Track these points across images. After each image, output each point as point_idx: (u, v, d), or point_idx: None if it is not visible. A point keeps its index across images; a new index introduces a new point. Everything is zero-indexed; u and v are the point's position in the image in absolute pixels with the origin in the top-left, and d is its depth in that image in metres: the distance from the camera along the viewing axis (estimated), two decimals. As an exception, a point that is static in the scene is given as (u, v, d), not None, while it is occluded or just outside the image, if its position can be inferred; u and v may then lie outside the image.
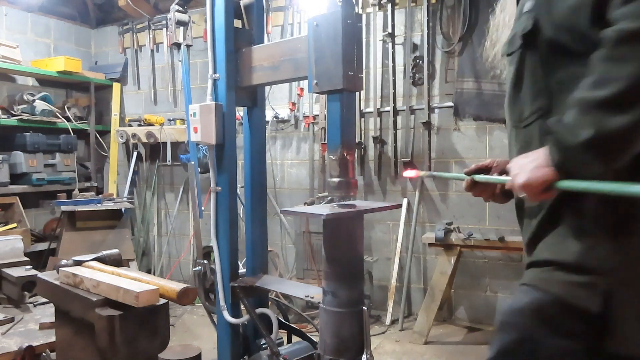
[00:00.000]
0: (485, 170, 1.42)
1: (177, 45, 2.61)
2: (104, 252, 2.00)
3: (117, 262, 1.98)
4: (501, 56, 1.34)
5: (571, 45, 1.09)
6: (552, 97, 1.14)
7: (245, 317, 2.40)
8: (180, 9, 2.53)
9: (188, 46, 2.63)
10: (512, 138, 1.28)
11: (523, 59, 1.17)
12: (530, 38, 1.13)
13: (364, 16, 4.27)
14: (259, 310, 2.38)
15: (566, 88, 1.10)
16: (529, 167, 1.05)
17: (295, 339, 2.53)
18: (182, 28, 2.60)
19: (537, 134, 1.17)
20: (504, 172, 1.43)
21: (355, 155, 4.38)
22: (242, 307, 2.46)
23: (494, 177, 1.33)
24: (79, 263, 1.92)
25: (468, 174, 1.38)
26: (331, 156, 1.86)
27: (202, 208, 2.51)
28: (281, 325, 2.43)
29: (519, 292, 1.17)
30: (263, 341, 2.46)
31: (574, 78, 1.08)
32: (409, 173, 1.78)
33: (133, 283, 1.65)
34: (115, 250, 2.03)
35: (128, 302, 1.56)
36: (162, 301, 1.65)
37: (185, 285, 1.65)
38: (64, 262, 1.91)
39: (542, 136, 1.15)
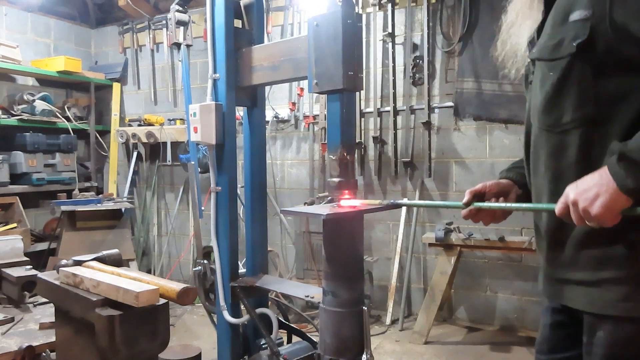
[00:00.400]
0: (480, 195, 1.42)
1: (177, 45, 2.60)
2: (104, 252, 2.00)
3: (117, 262, 1.98)
4: (532, 59, 1.31)
5: (638, 57, 1.08)
6: (601, 106, 1.12)
7: (245, 317, 2.40)
8: (180, 8, 2.53)
9: (188, 46, 2.63)
10: (540, 140, 1.26)
11: (571, 66, 1.14)
12: (585, 47, 1.11)
13: (364, 16, 4.27)
14: (259, 310, 2.38)
15: (622, 98, 1.10)
16: (599, 193, 1.03)
17: (295, 339, 2.53)
18: (182, 28, 2.60)
19: (576, 142, 1.16)
20: (498, 194, 1.44)
21: (355, 155, 4.39)
22: (242, 307, 2.46)
23: (516, 205, 1.32)
24: (79, 263, 1.91)
25: (467, 203, 1.37)
26: (331, 156, 1.86)
27: (202, 208, 2.51)
28: (281, 325, 2.43)
29: (610, 324, 1.14)
30: (263, 341, 2.46)
31: (633, 89, 1.08)
32: (351, 202, 1.75)
33: (133, 283, 1.65)
34: (115, 250, 2.03)
35: (128, 302, 1.56)
36: (162, 301, 1.65)
37: (185, 285, 1.65)
38: (64, 262, 1.91)
39: (582, 145, 1.15)
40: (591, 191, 1.04)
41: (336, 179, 1.83)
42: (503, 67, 1.42)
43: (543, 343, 1.43)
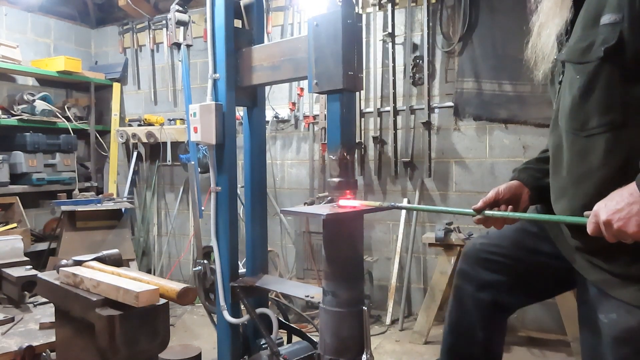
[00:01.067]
0: (494, 203, 1.44)
1: (177, 45, 2.60)
2: (104, 252, 2.00)
3: (117, 262, 1.98)
4: (559, 61, 1.30)
5: None
6: (628, 112, 1.11)
7: (245, 317, 2.40)
8: (180, 8, 2.53)
9: (188, 46, 2.62)
10: (565, 143, 1.25)
11: (598, 71, 1.13)
12: (613, 52, 1.10)
13: (364, 16, 4.27)
14: (259, 310, 2.38)
15: None
16: (632, 212, 1.02)
17: (294, 339, 2.52)
18: (182, 28, 2.59)
19: (602, 147, 1.15)
20: (510, 201, 1.46)
21: (355, 155, 4.39)
22: (242, 307, 2.46)
23: (530, 215, 1.34)
24: (79, 263, 1.91)
25: (478, 210, 1.39)
26: (331, 156, 1.86)
27: (202, 208, 2.51)
28: (281, 325, 2.43)
29: (623, 310, 1.16)
30: (263, 341, 2.46)
31: None
32: (349, 202, 1.76)
33: (133, 283, 1.65)
34: (115, 250, 2.03)
35: (128, 302, 1.56)
36: (162, 301, 1.65)
37: (185, 285, 1.65)
38: (64, 262, 1.91)
39: (607, 150, 1.14)
40: (624, 211, 1.03)
41: (336, 179, 1.83)
42: (534, 68, 1.40)
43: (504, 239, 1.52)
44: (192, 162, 2.60)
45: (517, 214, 1.35)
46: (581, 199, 1.21)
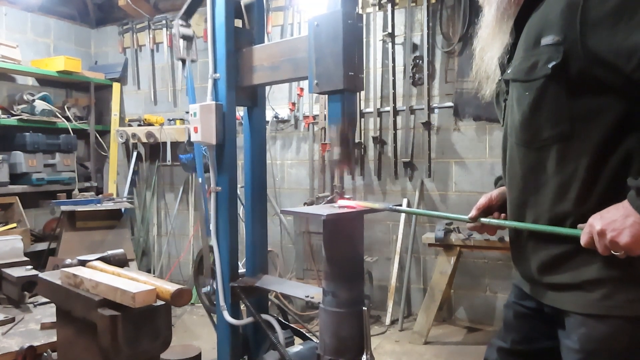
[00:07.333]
0: (488, 209, 1.49)
1: (183, 61, 2.56)
2: (109, 252, 1.99)
3: (121, 262, 1.97)
4: (507, 80, 1.36)
5: (610, 80, 1.14)
6: (575, 124, 1.19)
7: (246, 320, 2.39)
8: (184, 23, 2.51)
9: (193, 61, 2.58)
10: (518, 156, 1.31)
11: (546, 87, 1.20)
12: (559, 69, 1.17)
13: (364, 16, 4.26)
14: (263, 316, 2.37)
15: (594, 117, 1.16)
16: (625, 224, 1.08)
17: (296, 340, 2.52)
18: (186, 42, 2.55)
19: (554, 157, 1.22)
20: (503, 207, 1.48)
21: (355, 155, 4.40)
22: (242, 307, 2.46)
23: (526, 225, 1.33)
24: (83, 263, 1.91)
25: (474, 219, 1.46)
26: (332, 126, 1.86)
27: (211, 228, 2.50)
28: (282, 327, 2.42)
29: (592, 321, 1.19)
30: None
31: (604, 107, 1.15)
32: (347, 202, 1.80)
33: (130, 283, 1.64)
34: (120, 250, 2.02)
35: (125, 302, 1.56)
36: (160, 301, 1.65)
37: (179, 287, 1.63)
38: (68, 261, 1.90)
39: (558, 159, 1.21)
40: (618, 222, 1.09)
41: (337, 150, 1.83)
42: (480, 88, 1.50)
43: (512, 333, 1.50)
44: (200, 180, 2.56)
45: (512, 223, 1.37)
46: (542, 205, 1.27)
